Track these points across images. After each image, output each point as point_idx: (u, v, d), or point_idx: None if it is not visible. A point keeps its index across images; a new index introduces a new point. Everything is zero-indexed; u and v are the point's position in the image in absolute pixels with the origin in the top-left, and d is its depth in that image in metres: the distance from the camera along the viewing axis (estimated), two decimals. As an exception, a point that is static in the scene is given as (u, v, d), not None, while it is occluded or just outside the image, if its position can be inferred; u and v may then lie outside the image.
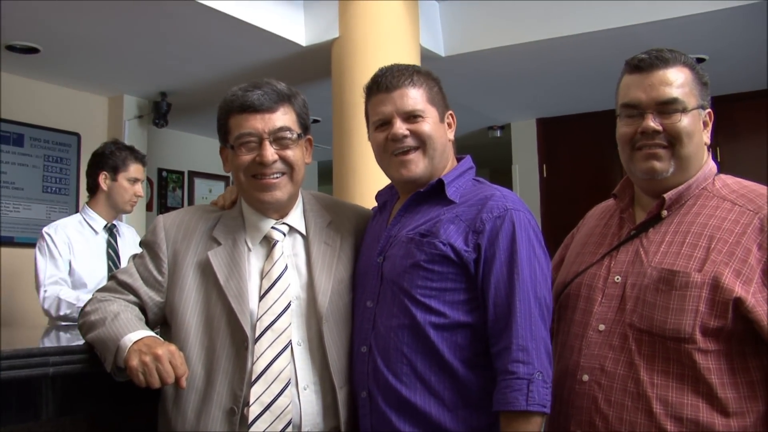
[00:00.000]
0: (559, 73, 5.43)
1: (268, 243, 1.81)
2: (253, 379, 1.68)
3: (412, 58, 4.16)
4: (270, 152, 1.74)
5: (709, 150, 1.76)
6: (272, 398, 1.67)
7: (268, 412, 1.66)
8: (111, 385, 1.66)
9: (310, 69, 4.93)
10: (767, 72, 5.31)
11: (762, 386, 1.56)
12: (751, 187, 1.69)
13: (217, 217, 1.86)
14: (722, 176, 1.74)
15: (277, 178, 1.77)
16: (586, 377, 1.66)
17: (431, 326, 1.68)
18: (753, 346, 1.56)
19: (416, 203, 1.82)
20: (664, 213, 1.70)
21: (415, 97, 1.79)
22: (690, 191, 1.70)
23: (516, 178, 6.94)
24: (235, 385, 1.69)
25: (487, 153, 7.84)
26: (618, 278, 1.70)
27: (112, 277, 1.85)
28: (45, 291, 3.13)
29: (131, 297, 1.78)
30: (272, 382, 1.68)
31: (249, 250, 1.81)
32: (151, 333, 1.66)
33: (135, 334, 1.61)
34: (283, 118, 1.77)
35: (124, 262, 3.27)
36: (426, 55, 4.59)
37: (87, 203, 3.45)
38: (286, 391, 1.68)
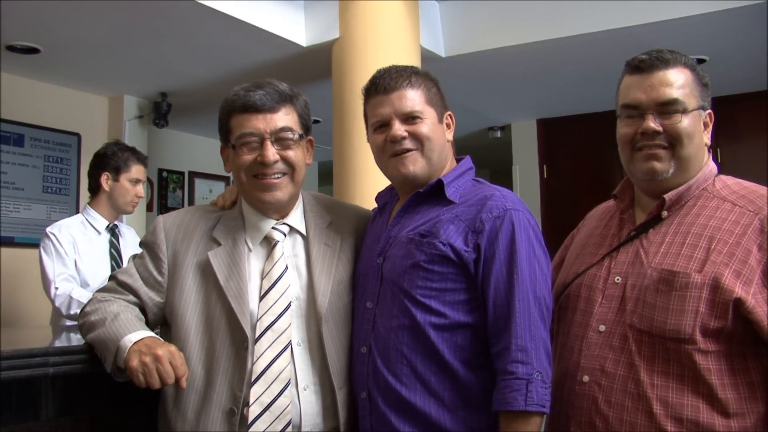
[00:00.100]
0: (559, 74, 5.43)
1: (269, 243, 1.81)
2: (252, 379, 1.68)
3: (412, 59, 4.16)
4: (271, 152, 1.74)
5: (709, 151, 1.76)
6: (272, 398, 1.67)
7: (267, 412, 1.66)
8: (111, 386, 1.66)
9: (311, 69, 4.93)
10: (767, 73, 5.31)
11: (762, 387, 1.56)
12: (751, 188, 1.69)
13: (217, 217, 1.86)
14: (722, 177, 1.74)
15: (278, 178, 1.77)
16: (586, 378, 1.66)
17: (431, 327, 1.68)
18: (753, 347, 1.56)
19: (416, 204, 1.83)
20: (665, 214, 1.70)
21: (413, 98, 1.79)
22: (690, 192, 1.70)
23: (516, 179, 6.93)
24: (234, 386, 1.69)
25: (487, 153, 7.85)
26: (618, 279, 1.70)
27: (112, 277, 1.85)
28: (56, 288, 3.14)
29: (131, 297, 1.78)
30: (272, 383, 1.68)
31: (249, 250, 1.81)
32: (151, 333, 1.66)
33: (135, 334, 1.61)
34: (284, 118, 1.78)
35: (126, 263, 3.27)
36: (426, 55, 4.59)
37: (89, 204, 3.45)
38: (286, 392, 1.68)
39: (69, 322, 3.07)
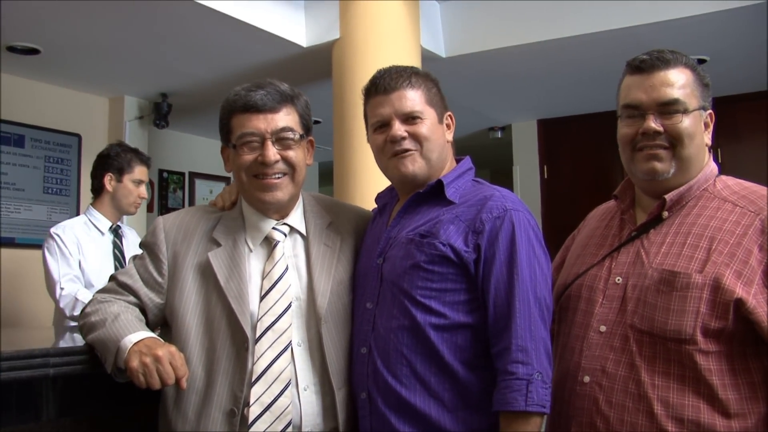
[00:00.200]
0: (560, 74, 5.43)
1: (269, 244, 1.81)
2: (253, 379, 1.68)
3: (412, 59, 4.16)
4: (272, 152, 1.74)
5: (710, 151, 1.76)
6: (272, 399, 1.67)
7: (268, 412, 1.66)
8: (111, 386, 1.66)
9: (311, 70, 4.93)
10: (768, 73, 5.32)
11: (763, 387, 1.56)
12: (752, 188, 1.69)
13: (217, 218, 1.86)
14: (723, 177, 1.74)
15: (278, 178, 1.77)
16: (587, 378, 1.66)
17: (431, 327, 1.68)
18: (754, 347, 1.56)
19: (416, 204, 1.82)
20: (665, 214, 1.70)
21: (413, 98, 1.79)
22: (691, 192, 1.70)
23: (517, 179, 6.93)
24: (235, 386, 1.69)
25: (487, 154, 7.85)
26: (619, 279, 1.69)
27: (112, 278, 1.85)
28: (62, 289, 3.14)
29: (131, 298, 1.78)
30: (272, 383, 1.68)
31: (250, 250, 1.81)
32: (152, 334, 1.65)
33: (135, 335, 1.61)
34: (285, 118, 1.78)
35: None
36: (427, 56, 4.59)
37: (91, 204, 3.46)
38: (287, 392, 1.68)
39: (73, 323, 3.07)
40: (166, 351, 1.57)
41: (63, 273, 3.18)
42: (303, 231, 1.86)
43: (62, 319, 3.19)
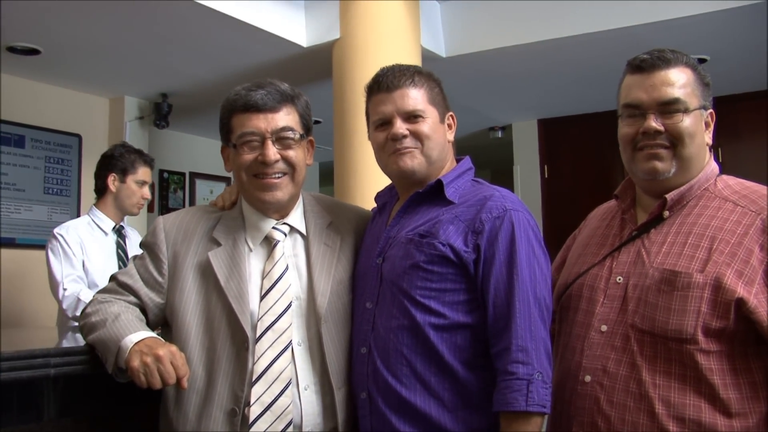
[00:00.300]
0: (560, 74, 5.43)
1: (269, 243, 1.81)
2: (253, 379, 1.68)
3: (413, 59, 4.16)
4: (272, 151, 1.74)
5: (710, 151, 1.76)
6: (273, 398, 1.67)
7: (268, 412, 1.66)
8: (112, 386, 1.66)
9: (311, 70, 4.93)
10: (768, 72, 5.32)
11: (764, 387, 1.56)
12: (753, 188, 1.69)
13: (217, 217, 1.86)
14: (724, 177, 1.74)
15: (278, 178, 1.77)
16: (588, 378, 1.66)
17: (431, 327, 1.68)
18: (755, 347, 1.56)
19: (415, 204, 1.82)
20: (666, 214, 1.70)
21: (415, 97, 1.79)
22: (692, 192, 1.70)
23: (517, 179, 6.93)
24: (235, 386, 1.69)
25: (488, 154, 7.85)
26: (620, 279, 1.69)
27: (112, 278, 1.85)
28: (65, 289, 3.14)
29: (132, 298, 1.78)
30: (273, 383, 1.68)
31: (250, 250, 1.81)
32: (152, 334, 1.65)
33: (136, 335, 1.61)
34: (285, 118, 1.78)
35: (132, 264, 3.28)
36: (427, 55, 4.59)
37: (94, 205, 3.47)
38: (287, 392, 1.68)
39: (75, 323, 3.06)
40: (167, 350, 1.57)
41: (66, 273, 3.18)
42: (303, 231, 1.86)
43: (65, 320, 3.19)
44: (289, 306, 1.74)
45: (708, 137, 1.73)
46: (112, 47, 4.66)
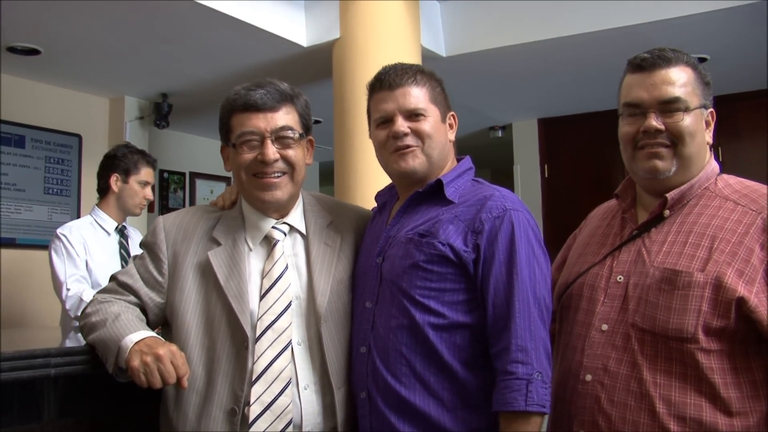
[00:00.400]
0: (560, 73, 5.43)
1: (269, 243, 1.81)
2: (253, 378, 1.68)
3: (413, 59, 4.16)
4: (272, 151, 1.74)
5: (711, 150, 1.76)
6: (273, 398, 1.67)
7: (268, 411, 1.66)
8: (113, 386, 1.66)
9: (311, 70, 4.93)
10: (768, 72, 5.32)
11: (765, 386, 1.56)
12: (753, 187, 1.69)
13: (217, 217, 1.86)
14: (725, 176, 1.74)
15: (278, 177, 1.77)
16: (589, 377, 1.66)
17: (430, 327, 1.68)
18: (756, 346, 1.56)
19: (415, 203, 1.82)
20: (667, 213, 1.70)
21: (417, 95, 1.79)
22: (692, 191, 1.70)
23: (517, 179, 6.93)
24: (235, 385, 1.69)
25: (488, 153, 7.85)
26: (620, 278, 1.69)
27: (112, 278, 1.85)
28: (68, 290, 3.15)
29: (132, 298, 1.78)
30: (273, 382, 1.68)
31: (250, 249, 1.81)
32: (152, 333, 1.65)
33: (136, 334, 1.61)
34: (285, 117, 1.78)
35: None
36: (427, 55, 4.59)
37: (97, 205, 3.47)
38: (287, 391, 1.68)
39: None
40: (167, 350, 1.57)
41: (69, 274, 3.19)
42: (303, 230, 1.86)
43: (69, 320, 3.19)
44: (289, 305, 1.74)
45: (708, 136, 1.73)
46: (112, 47, 4.66)
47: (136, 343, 1.59)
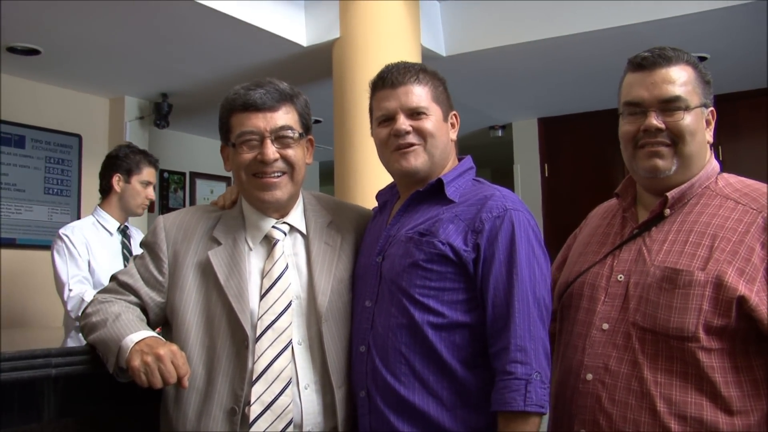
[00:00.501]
0: (560, 73, 5.43)
1: (269, 242, 1.81)
2: (253, 378, 1.68)
3: (413, 58, 4.13)
4: (271, 150, 1.74)
5: (711, 149, 1.76)
6: (273, 397, 1.67)
7: (269, 411, 1.66)
8: (113, 386, 1.66)
9: (311, 69, 4.93)
10: (768, 71, 5.31)
11: (766, 385, 1.56)
12: (754, 186, 1.69)
13: (217, 217, 1.86)
14: (725, 175, 1.74)
15: (277, 177, 1.77)
16: (589, 376, 1.66)
17: (429, 326, 1.68)
18: (756, 345, 1.56)
19: (416, 203, 1.82)
20: (667, 212, 1.70)
21: (419, 94, 1.79)
22: (693, 190, 1.70)
23: (517, 178, 6.93)
24: (235, 385, 1.69)
25: (488, 153, 7.85)
26: (621, 277, 1.69)
27: (113, 278, 1.85)
28: (70, 290, 3.15)
29: (132, 298, 1.78)
30: (273, 382, 1.68)
31: (250, 249, 1.80)
32: (153, 333, 1.65)
33: (137, 334, 1.61)
34: (284, 117, 1.78)
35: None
36: (427, 54, 4.59)
37: (99, 205, 3.48)
38: (287, 391, 1.68)
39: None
40: (167, 350, 1.57)
41: (72, 274, 3.19)
42: (303, 230, 1.86)
43: (71, 320, 3.19)
44: (289, 305, 1.74)
45: (709, 135, 1.73)
46: (112, 47, 4.66)
47: (137, 343, 1.59)
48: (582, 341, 1.71)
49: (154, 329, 1.73)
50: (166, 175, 6.74)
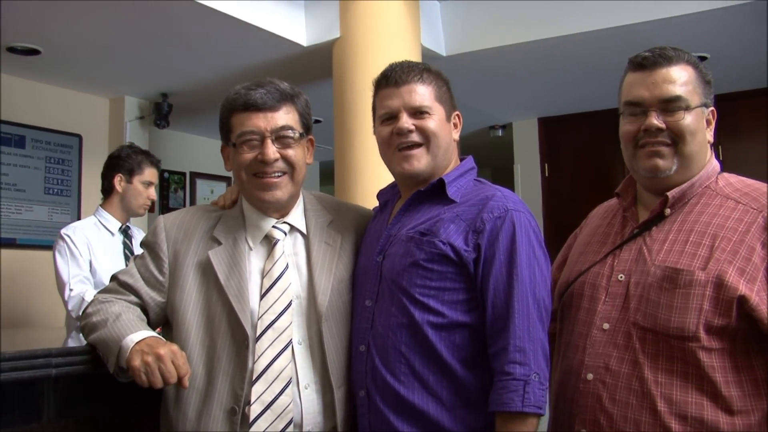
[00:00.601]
0: (560, 72, 5.43)
1: (269, 242, 1.81)
2: (254, 378, 1.68)
3: (413, 58, 4.10)
4: (272, 150, 1.74)
5: (711, 148, 1.76)
6: (273, 397, 1.67)
7: (269, 411, 1.66)
8: (113, 386, 1.66)
9: (312, 69, 4.93)
10: (768, 70, 5.31)
11: (766, 384, 1.56)
12: (754, 185, 1.69)
13: (217, 216, 1.86)
14: (725, 175, 1.74)
15: (278, 177, 1.77)
16: (590, 376, 1.66)
17: (429, 325, 1.68)
18: (757, 345, 1.56)
19: (417, 202, 1.82)
20: (668, 211, 1.70)
21: (423, 93, 1.79)
22: (693, 189, 1.70)
23: (518, 178, 6.93)
24: (236, 385, 1.69)
25: (488, 152, 7.85)
26: (621, 277, 1.69)
27: (113, 278, 1.85)
28: (71, 290, 3.16)
29: (132, 297, 1.78)
30: (273, 381, 1.68)
31: (250, 249, 1.80)
32: (153, 333, 1.65)
33: (137, 334, 1.61)
34: (285, 117, 1.78)
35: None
36: (427, 54, 4.59)
37: (101, 205, 3.49)
38: (287, 390, 1.68)
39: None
40: (167, 350, 1.57)
41: (73, 274, 3.19)
42: (303, 229, 1.86)
43: (72, 320, 3.19)
44: (290, 305, 1.74)
45: (709, 135, 1.73)
46: (112, 47, 4.66)
47: (137, 342, 1.59)
48: (583, 341, 1.70)
49: (154, 329, 1.73)
50: (166, 175, 6.73)
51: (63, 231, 3.31)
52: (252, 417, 1.66)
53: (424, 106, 1.79)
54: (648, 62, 1.69)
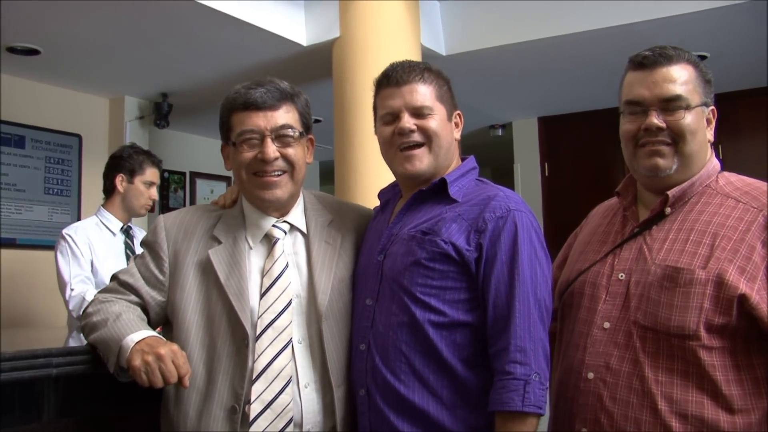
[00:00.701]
0: (560, 72, 5.43)
1: (269, 241, 1.81)
2: (254, 377, 1.68)
3: (413, 58, 4.09)
4: (272, 149, 1.74)
5: (712, 147, 1.76)
6: (273, 396, 1.67)
7: (269, 410, 1.66)
8: (114, 386, 1.66)
9: (311, 69, 4.93)
10: (768, 70, 5.31)
11: (767, 383, 1.56)
12: (755, 184, 1.69)
13: (217, 216, 1.86)
14: (726, 174, 1.74)
15: (278, 176, 1.77)
16: (591, 375, 1.66)
17: (430, 324, 1.68)
18: (757, 343, 1.56)
19: (418, 202, 1.82)
20: (668, 210, 1.70)
21: (424, 93, 1.79)
22: (693, 188, 1.70)
23: (518, 177, 6.92)
24: (236, 384, 1.69)
25: (488, 152, 7.84)
26: (622, 276, 1.69)
27: (113, 277, 1.85)
28: (72, 290, 3.16)
29: (133, 297, 1.78)
30: (273, 380, 1.68)
31: (250, 248, 1.81)
32: (153, 333, 1.65)
33: (137, 334, 1.61)
34: (285, 116, 1.78)
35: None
36: (427, 54, 4.59)
37: (102, 205, 3.49)
38: (287, 389, 1.68)
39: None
40: (168, 349, 1.57)
41: (74, 274, 3.19)
42: (303, 229, 1.86)
43: (74, 320, 3.20)
44: (289, 304, 1.74)
45: (709, 134, 1.73)
46: (112, 47, 4.66)
47: (137, 342, 1.59)
48: (583, 340, 1.70)
49: (154, 329, 1.73)
50: (166, 175, 6.73)
51: (65, 231, 3.32)
52: (252, 416, 1.66)
53: (425, 105, 1.79)
54: (648, 61, 1.69)
